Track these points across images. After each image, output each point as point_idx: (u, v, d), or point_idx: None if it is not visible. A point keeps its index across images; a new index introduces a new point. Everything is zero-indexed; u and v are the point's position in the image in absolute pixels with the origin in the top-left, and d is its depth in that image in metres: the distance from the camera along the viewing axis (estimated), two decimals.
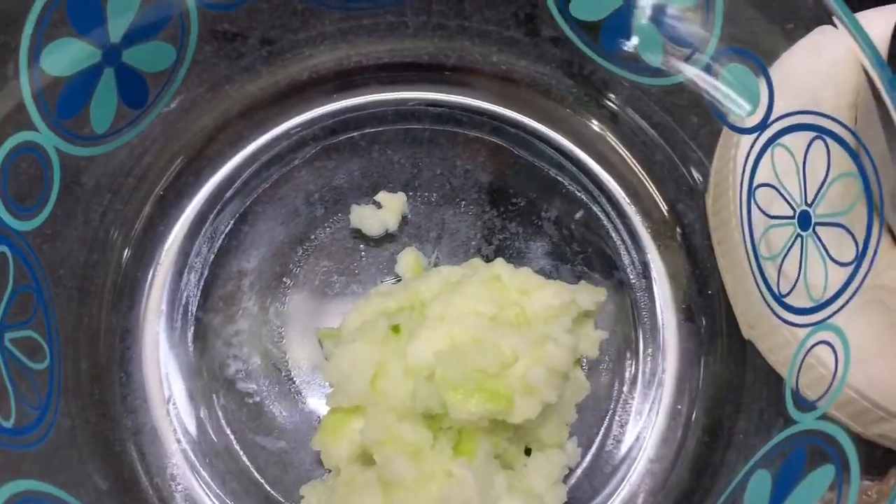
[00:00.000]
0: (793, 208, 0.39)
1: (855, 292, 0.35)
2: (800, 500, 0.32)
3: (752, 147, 0.41)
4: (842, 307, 0.36)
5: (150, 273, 0.46)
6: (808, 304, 0.38)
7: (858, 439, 0.32)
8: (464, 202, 0.49)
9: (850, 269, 0.35)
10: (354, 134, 0.50)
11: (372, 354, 0.40)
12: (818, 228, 0.38)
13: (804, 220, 0.38)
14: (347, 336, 0.42)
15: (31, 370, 0.39)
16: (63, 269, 0.44)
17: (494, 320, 0.40)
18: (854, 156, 0.36)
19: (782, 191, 0.40)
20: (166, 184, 0.48)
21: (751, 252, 0.42)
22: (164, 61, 0.44)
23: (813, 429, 0.35)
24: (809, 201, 0.38)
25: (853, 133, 0.36)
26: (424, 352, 0.39)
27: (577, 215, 0.49)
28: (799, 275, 0.39)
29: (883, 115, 0.33)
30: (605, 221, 0.49)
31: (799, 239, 0.39)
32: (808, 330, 0.37)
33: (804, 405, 0.36)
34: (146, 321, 0.46)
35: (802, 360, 0.37)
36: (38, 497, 0.35)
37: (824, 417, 0.34)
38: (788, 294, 0.39)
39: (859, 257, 0.35)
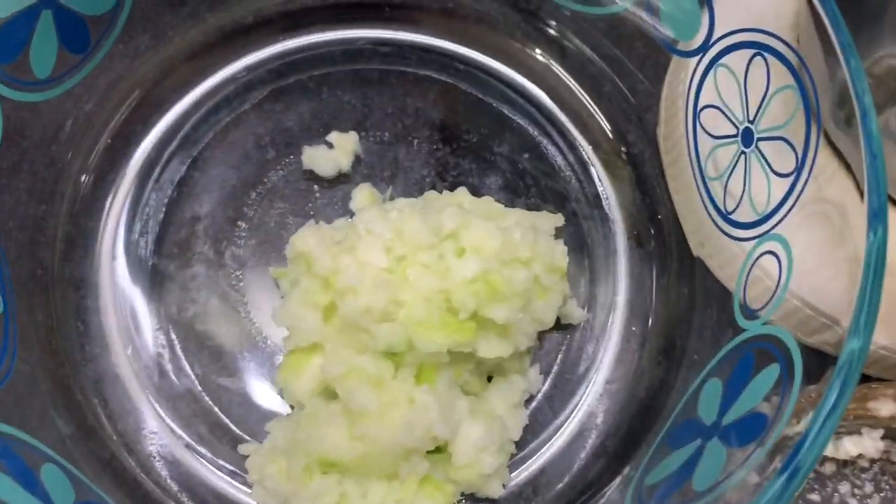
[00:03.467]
0: (736, 126, 0.40)
1: (796, 201, 0.36)
2: (748, 400, 0.34)
3: (695, 69, 0.42)
4: (784, 217, 0.37)
5: (102, 222, 0.46)
6: (754, 218, 0.39)
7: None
8: (416, 140, 0.49)
9: (790, 179, 0.37)
10: (303, 76, 0.50)
11: (322, 292, 0.41)
12: (760, 143, 0.39)
13: (747, 137, 0.39)
14: (291, 260, 0.42)
15: None
16: (12, 222, 0.43)
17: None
18: (791, 68, 0.36)
19: (726, 111, 0.41)
20: (113, 132, 0.47)
21: (698, 173, 0.43)
22: (103, 4, 0.43)
23: (760, 334, 0.36)
24: (751, 118, 0.39)
25: (790, 47, 0.37)
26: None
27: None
28: (743, 191, 0.40)
29: (819, 32, 0.34)
30: (557, 154, 0.50)
31: (743, 156, 0.40)
32: (753, 242, 0.38)
33: (749, 312, 0.37)
34: (101, 270, 0.45)
35: (749, 272, 0.38)
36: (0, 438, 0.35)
37: (771, 322, 0.36)
38: (734, 211, 0.40)
39: (799, 167, 0.36)
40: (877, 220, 0.30)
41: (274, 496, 0.41)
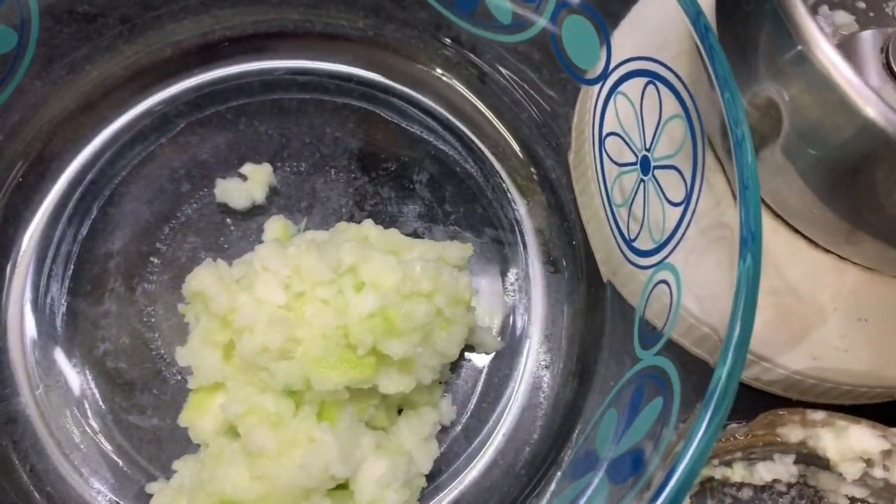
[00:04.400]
0: (635, 154, 0.40)
1: (686, 230, 0.36)
2: (636, 431, 0.33)
3: (597, 97, 0.42)
4: (676, 246, 0.36)
5: (13, 261, 0.46)
6: (651, 246, 0.38)
7: (685, 372, 0.33)
8: (334, 170, 0.49)
9: (681, 208, 0.36)
10: (220, 107, 0.50)
11: (221, 331, 0.40)
12: (656, 172, 0.38)
13: (645, 165, 0.39)
14: (188, 299, 0.42)
15: None
16: None
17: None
18: (679, 98, 0.36)
19: (626, 138, 0.41)
20: (25, 168, 0.47)
21: (605, 200, 0.43)
22: (4, 44, 0.43)
23: (651, 365, 0.36)
24: (648, 146, 0.39)
25: (678, 76, 0.37)
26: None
27: None
28: (644, 218, 0.40)
29: (702, 63, 0.34)
30: (476, 181, 0.49)
31: (642, 183, 0.39)
32: (651, 270, 0.38)
33: (647, 342, 0.37)
34: (11, 309, 0.45)
35: (647, 300, 0.38)
36: None
37: (661, 353, 0.35)
38: (636, 238, 0.40)
39: (688, 196, 0.36)
40: (746, 248, 0.30)
41: None
